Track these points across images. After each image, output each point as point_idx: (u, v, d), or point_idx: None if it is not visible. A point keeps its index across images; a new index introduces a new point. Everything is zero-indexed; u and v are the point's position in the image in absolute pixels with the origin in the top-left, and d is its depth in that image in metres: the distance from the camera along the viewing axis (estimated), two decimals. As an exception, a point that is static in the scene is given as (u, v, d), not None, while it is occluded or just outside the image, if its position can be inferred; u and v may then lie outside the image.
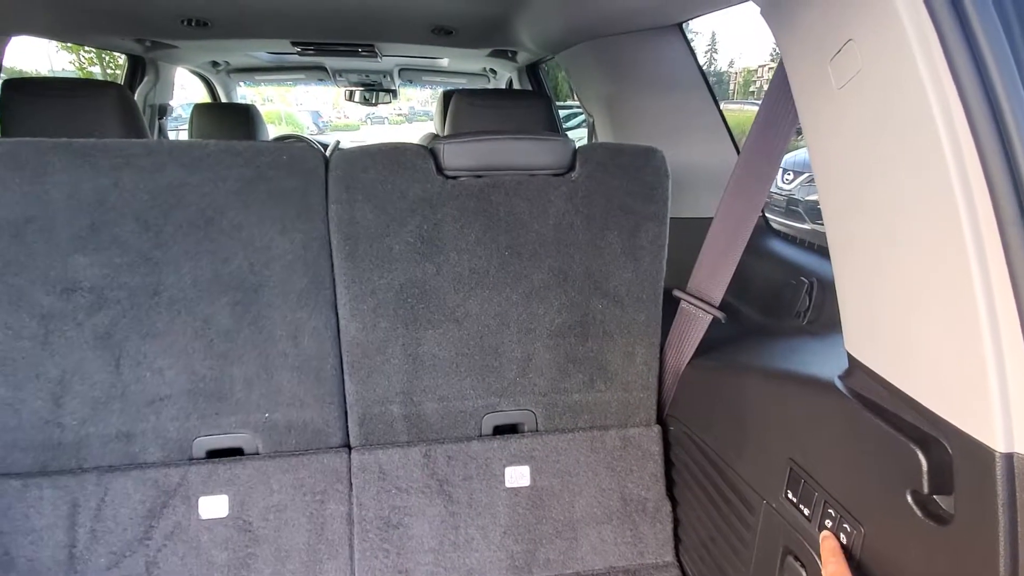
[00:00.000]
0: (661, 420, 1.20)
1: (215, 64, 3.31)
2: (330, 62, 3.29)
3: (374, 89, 4.10)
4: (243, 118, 2.74)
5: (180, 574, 1.02)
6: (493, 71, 3.38)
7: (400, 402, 1.10)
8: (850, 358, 0.72)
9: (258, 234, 1.01)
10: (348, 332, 1.07)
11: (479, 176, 1.05)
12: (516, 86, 3.17)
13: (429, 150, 1.05)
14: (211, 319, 1.02)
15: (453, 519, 1.09)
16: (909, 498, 0.60)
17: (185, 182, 0.96)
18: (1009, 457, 0.50)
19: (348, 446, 1.11)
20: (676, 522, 1.18)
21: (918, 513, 0.59)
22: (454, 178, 1.05)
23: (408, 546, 1.08)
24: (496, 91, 3.05)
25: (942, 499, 0.58)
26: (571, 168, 1.08)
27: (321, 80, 4.00)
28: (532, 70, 2.92)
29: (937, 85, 0.51)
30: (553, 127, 1.84)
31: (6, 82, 1.55)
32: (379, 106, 5.08)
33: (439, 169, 1.04)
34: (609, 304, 1.13)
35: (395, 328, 1.08)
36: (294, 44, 2.58)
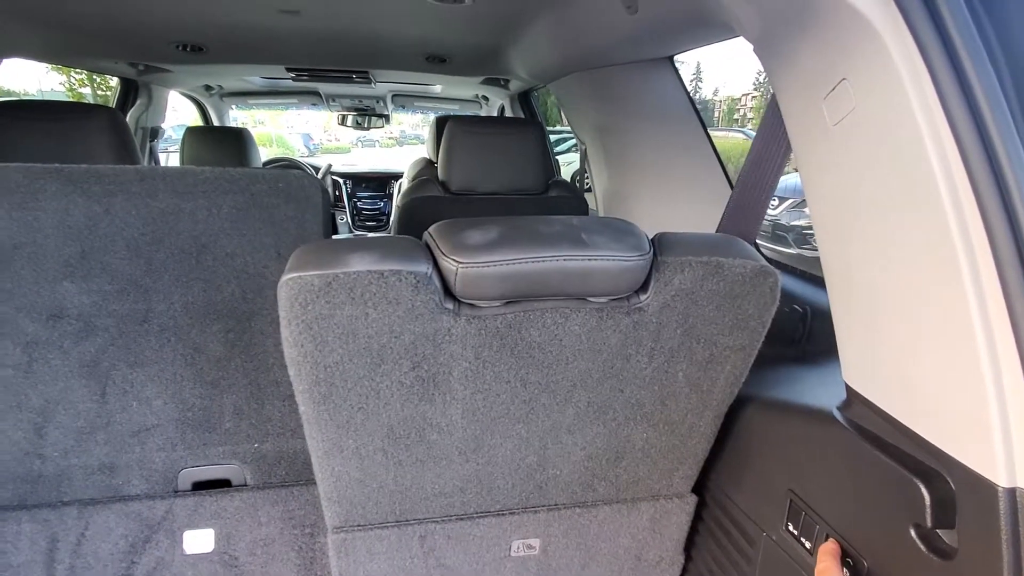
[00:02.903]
0: (696, 487, 1.05)
1: (208, 88, 3.32)
2: (324, 87, 3.32)
3: (367, 114, 4.14)
4: (235, 141, 2.74)
5: None
6: (485, 98, 3.43)
7: (393, 523, 0.97)
8: (848, 389, 0.72)
9: (252, 262, 0.97)
10: (324, 469, 0.89)
11: (510, 303, 0.74)
12: (508, 112, 3.22)
13: (434, 263, 0.70)
14: (202, 347, 0.98)
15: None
16: (912, 532, 0.60)
17: (179, 209, 0.93)
18: (1012, 492, 0.50)
19: None
20: (684, 566, 1.15)
21: (921, 547, 0.59)
22: (472, 306, 0.73)
23: None
24: (491, 119, 3.08)
25: (945, 533, 0.58)
26: (642, 287, 0.76)
27: (314, 105, 4.04)
28: (524, 97, 2.96)
29: (931, 124, 0.52)
30: (547, 155, 1.86)
31: (1, 104, 1.54)
32: (371, 130, 5.11)
33: (447, 291, 0.72)
34: (658, 433, 0.91)
35: (386, 465, 0.87)
36: (289, 70, 2.60)
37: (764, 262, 0.75)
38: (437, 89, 3.34)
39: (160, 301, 0.95)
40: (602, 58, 1.61)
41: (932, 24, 0.51)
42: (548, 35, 1.57)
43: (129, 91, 2.74)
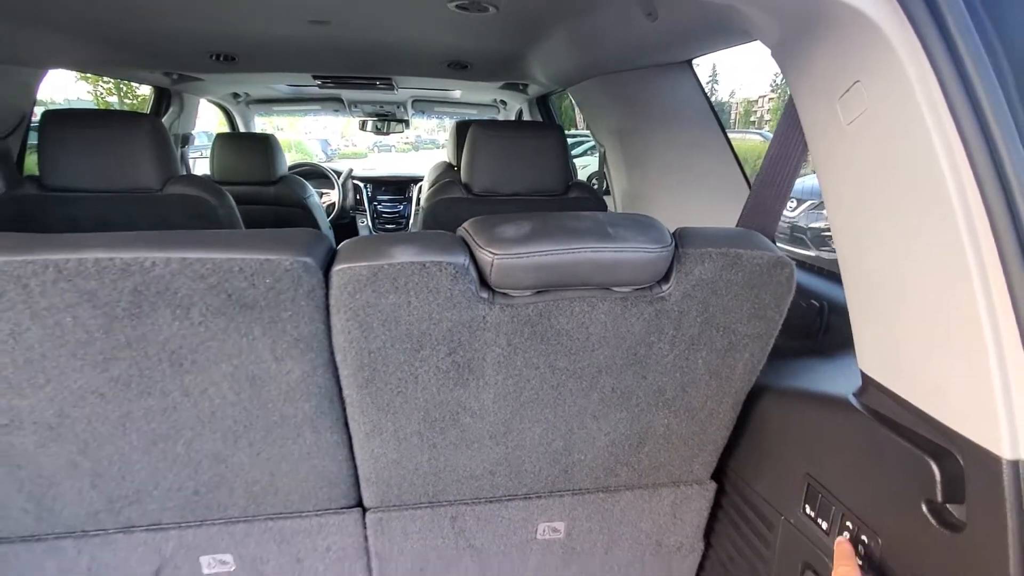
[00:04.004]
0: (715, 473, 1.09)
1: (236, 95, 3.44)
2: (347, 94, 3.41)
3: (387, 119, 4.23)
4: (262, 147, 2.83)
5: None
6: (503, 102, 3.49)
7: (426, 503, 1.00)
8: (864, 376, 0.76)
9: (242, 364, 0.77)
10: (364, 450, 0.91)
11: (540, 292, 0.78)
12: (526, 116, 3.28)
13: (471, 255, 0.76)
14: (195, 447, 0.85)
15: (480, 568, 1.08)
16: (924, 508, 0.63)
17: (152, 315, 0.71)
18: (1015, 464, 0.53)
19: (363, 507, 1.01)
20: (704, 552, 1.18)
21: (932, 522, 0.62)
22: (505, 295, 0.77)
23: None
24: (512, 123, 3.14)
25: (955, 508, 0.61)
26: (664, 278, 0.80)
27: (337, 111, 4.14)
28: (542, 101, 3.02)
29: (938, 124, 0.56)
30: (567, 157, 1.91)
31: (46, 113, 1.63)
32: (390, 135, 5.20)
33: (483, 281, 0.76)
34: (679, 419, 0.95)
35: (421, 448, 0.91)
36: (316, 78, 2.69)
37: (781, 254, 0.79)
38: (456, 94, 3.41)
39: (135, 408, 0.79)
40: (622, 63, 1.65)
41: (937, 29, 0.54)
42: (568, 41, 1.62)
43: (162, 99, 2.85)
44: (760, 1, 0.73)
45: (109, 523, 0.90)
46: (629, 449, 0.97)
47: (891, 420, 0.69)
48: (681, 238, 0.80)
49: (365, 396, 0.82)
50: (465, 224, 0.80)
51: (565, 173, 1.91)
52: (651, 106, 1.70)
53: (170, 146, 1.76)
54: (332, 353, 0.78)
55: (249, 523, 0.94)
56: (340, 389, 0.82)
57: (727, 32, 1.18)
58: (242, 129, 3.79)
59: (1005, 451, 0.53)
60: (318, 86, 2.87)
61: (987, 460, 0.55)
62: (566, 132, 2.78)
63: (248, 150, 2.91)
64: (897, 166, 0.62)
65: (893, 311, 0.67)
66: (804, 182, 8.39)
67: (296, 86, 3.16)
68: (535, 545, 1.07)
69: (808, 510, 0.84)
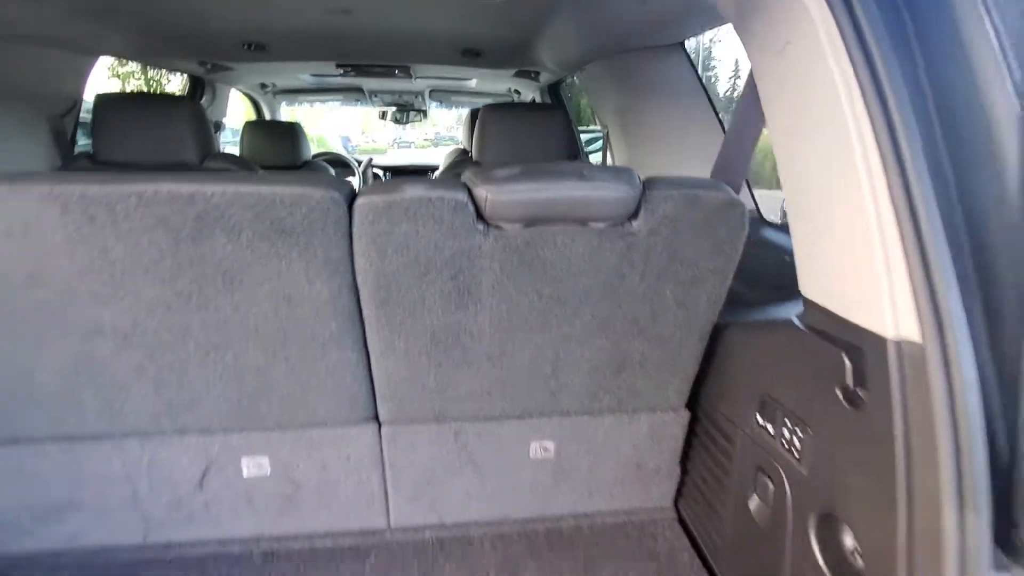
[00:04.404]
0: (689, 404, 1.23)
1: (263, 86, 3.63)
2: (367, 83, 3.58)
3: (406, 109, 4.39)
4: (289, 133, 3.02)
5: (234, 510, 1.18)
6: (517, 91, 3.63)
7: (433, 419, 1.14)
8: (804, 299, 0.89)
9: (281, 285, 0.92)
10: (380, 368, 1.05)
11: (528, 226, 0.91)
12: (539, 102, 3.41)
13: (469, 194, 0.90)
14: (241, 360, 1.00)
15: (480, 480, 1.24)
16: (839, 394, 0.76)
17: (199, 237, 0.87)
18: (898, 344, 0.66)
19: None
20: (680, 477, 1.32)
21: (845, 406, 0.75)
22: (498, 228, 0.91)
23: (440, 498, 1.22)
24: (520, 105, 3.28)
25: (861, 390, 0.74)
26: (634, 215, 0.93)
27: (357, 100, 4.32)
28: (553, 89, 3.15)
29: (843, 77, 0.69)
30: (572, 137, 2.04)
31: (99, 96, 1.82)
32: (408, 127, 5.35)
33: (479, 215, 0.90)
34: (651, 347, 1.08)
35: (428, 367, 1.05)
36: (338, 66, 2.86)
37: (735, 196, 0.93)
38: (472, 84, 3.56)
39: (193, 321, 0.95)
40: (619, 45, 1.78)
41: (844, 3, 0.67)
42: (570, 25, 1.76)
43: (196, 88, 3.05)
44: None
45: (167, 426, 1.07)
46: (609, 375, 1.11)
47: (821, 330, 0.82)
48: (648, 182, 0.93)
49: (381, 316, 0.97)
50: (467, 171, 0.95)
51: (571, 149, 2.04)
52: (648, 85, 1.83)
53: (208, 126, 1.94)
54: (354, 277, 0.93)
55: (283, 432, 1.11)
56: (360, 310, 0.98)
57: (707, 14, 1.31)
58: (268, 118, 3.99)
59: (889, 332, 0.66)
60: (340, 75, 3.03)
61: (878, 343, 0.68)
62: (582, 128, 2.90)
63: (276, 136, 3.10)
64: (814, 113, 0.75)
65: (818, 236, 0.80)
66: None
67: (319, 76, 3.34)
68: (528, 463, 1.21)
69: (760, 420, 0.97)
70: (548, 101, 3.26)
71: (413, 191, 0.87)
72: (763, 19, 0.83)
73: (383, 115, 4.73)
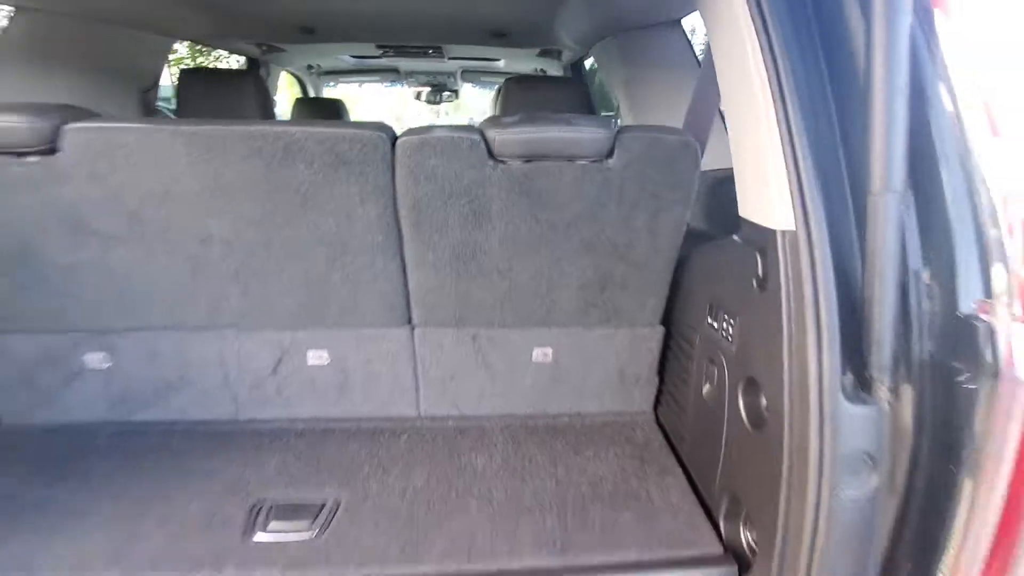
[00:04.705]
0: (664, 321, 1.48)
1: (310, 67, 3.97)
2: (404, 64, 3.88)
3: (439, 88, 4.67)
4: (334, 109, 3.35)
5: (299, 395, 1.50)
6: (543, 70, 3.86)
7: (454, 324, 1.42)
8: (740, 219, 1.13)
9: (342, 206, 1.21)
10: (413, 277, 1.33)
11: (527, 161, 1.18)
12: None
13: (482, 136, 1.17)
14: (310, 270, 1.30)
15: (491, 379, 1.51)
16: (754, 284, 1.00)
17: (284, 166, 1.17)
18: (783, 233, 0.90)
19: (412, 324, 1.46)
20: (658, 387, 1.57)
21: (756, 292, 0.99)
22: (504, 163, 1.19)
23: (459, 393, 1.51)
24: (540, 77, 3.52)
25: (766, 277, 0.98)
26: (609, 154, 1.18)
27: (394, 81, 4.62)
28: (575, 67, 3.37)
29: (752, 44, 0.92)
30: (587, 108, 2.28)
31: (183, 71, 2.16)
32: (443, 115, 5.61)
33: (490, 152, 1.17)
34: (629, 268, 1.33)
35: (451, 278, 1.32)
36: (378, 47, 3.16)
37: (690, 139, 1.17)
38: (500, 64, 3.82)
39: (276, 234, 1.26)
40: (625, 22, 2.01)
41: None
42: (583, 5, 2.00)
43: (252, 69, 3.40)
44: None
45: (251, 323, 1.39)
46: (595, 292, 1.38)
47: (747, 239, 1.06)
48: (622, 128, 1.19)
49: (415, 233, 1.26)
50: (482, 120, 1.23)
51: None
52: (650, 60, 2.06)
53: (269, 95, 2.27)
54: (395, 200, 1.22)
55: (339, 330, 1.42)
56: (399, 229, 1.27)
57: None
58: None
59: (777, 225, 0.90)
60: (379, 56, 3.33)
61: (772, 236, 0.92)
62: (606, 114, 3.12)
63: (321, 112, 3.44)
64: (736, 77, 0.98)
65: (743, 165, 1.03)
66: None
67: (360, 57, 3.65)
68: (532, 367, 1.49)
69: (709, 321, 1.22)
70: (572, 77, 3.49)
71: (441, 132, 1.16)
72: (710, 8, 1.06)
73: (418, 95, 5.03)
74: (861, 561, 0.91)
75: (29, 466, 1.27)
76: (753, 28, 0.90)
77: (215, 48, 3.25)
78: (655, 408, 1.58)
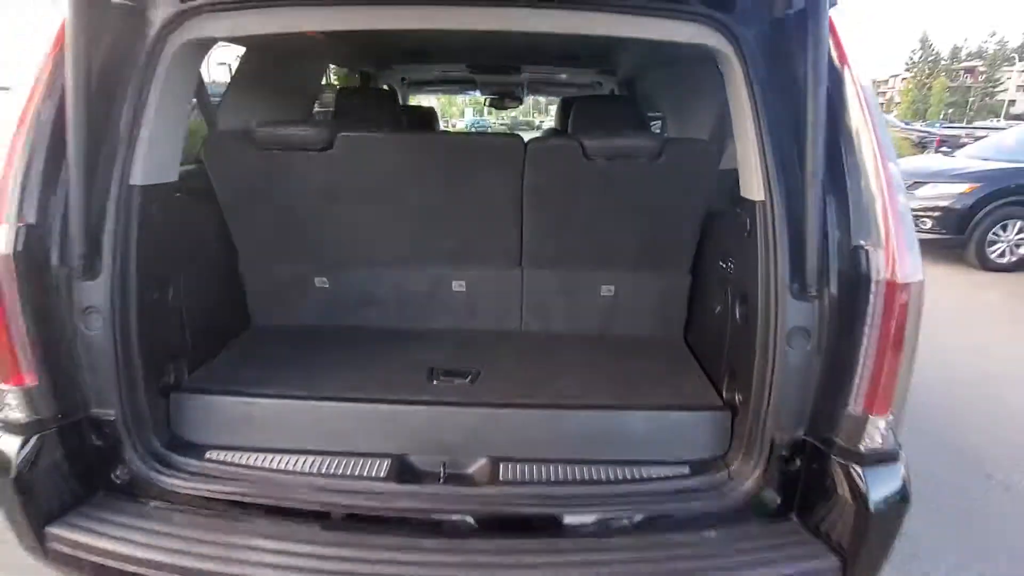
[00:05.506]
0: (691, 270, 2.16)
1: (403, 79, 4.78)
2: (481, 77, 4.63)
3: (507, 96, 5.43)
4: (429, 118, 4.12)
5: (446, 310, 2.20)
6: (599, 83, 4.53)
7: (550, 267, 2.15)
8: (740, 197, 1.77)
9: (490, 186, 1.92)
10: (526, 237, 2.03)
11: (608, 159, 1.85)
12: (616, 93, 4.30)
13: (580, 144, 1.85)
14: (461, 226, 2.04)
15: (572, 305, 2.21)
16: (745, 235, 1.64)
17: (430, 163, 1.90)
18: (760, 202, 1.54)
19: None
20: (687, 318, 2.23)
21: (746, 238, 1.63)
22: (593, 160, 1.87)
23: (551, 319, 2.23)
24: (603, 96, 4.20)
25: (751, 231, 1.62)
26: (659, 156, 1.84)
27: (470, 91, 5.40)
28: (628, 82, 4.03)
29: (747, 88, 1.57)
30: (639, 119, 2.94)
31: (340, 89, 2.95)
32: (486, 114, 6.41)
33: (585, 154, 1.85)
34: (669, 232, 2.04)
35: (551, 236, 2.02)
36: (468, 67, 3.90)
37: (712, 147, 1.85)
38: (563, 77, 4.51)
39: (444, 204, 2.00)
40: (670, 57, 2.67)
41: (740, 55, 1.55)
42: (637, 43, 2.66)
43: (366, 81, 4.21)
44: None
45: (420, 261, 2.15)
46: (646, 248, 2.07)
47: (743, 208, 1.69)
48: (668, 139, 1.87)
49: (532, 204, 1.98)
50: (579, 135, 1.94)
51: (638, 127, 2.96)
52: (686, 84, 2.72)
53: (399, 107, 3.02)
54: (523, 184, 1.94)
55: (474, 268, 2.16)
56: (523, 203, 1.98)
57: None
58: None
59: (756, 197, 1.55)
60: (468, 74, 4.09)
61: (752, 204, 1.57)
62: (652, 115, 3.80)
63: (417, 119, 4.22)
64: (737, 106, 1.62)
65: (740, 162, 1.68)
66: (907, 164, 8.49)
67: (446, 71, 4.42)
68: (599, 299, 2.19)
69: (721, 265, 1.87)
70: (624, 91, 4.14)
71: (558, 140, 1.88)
72: (725, 72, 1.71)
73: (487, 101, 5.79)
74: (803, 398, 1.50)
75: (276, 349, 2.03)
76: (746, 84, 1.55)
77: (347, 68, 4.05)
78: (684, 334, 2.24)
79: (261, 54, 2.55)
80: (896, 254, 1.30)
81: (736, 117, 1.63)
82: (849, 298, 1.35)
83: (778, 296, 1.46)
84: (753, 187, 1.56)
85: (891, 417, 1.37)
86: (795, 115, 1.46)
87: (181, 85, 1.59)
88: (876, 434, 1.37)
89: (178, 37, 1.48)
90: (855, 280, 1.33)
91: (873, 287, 1.31)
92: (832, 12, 1.37)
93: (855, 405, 1.36)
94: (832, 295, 1.40)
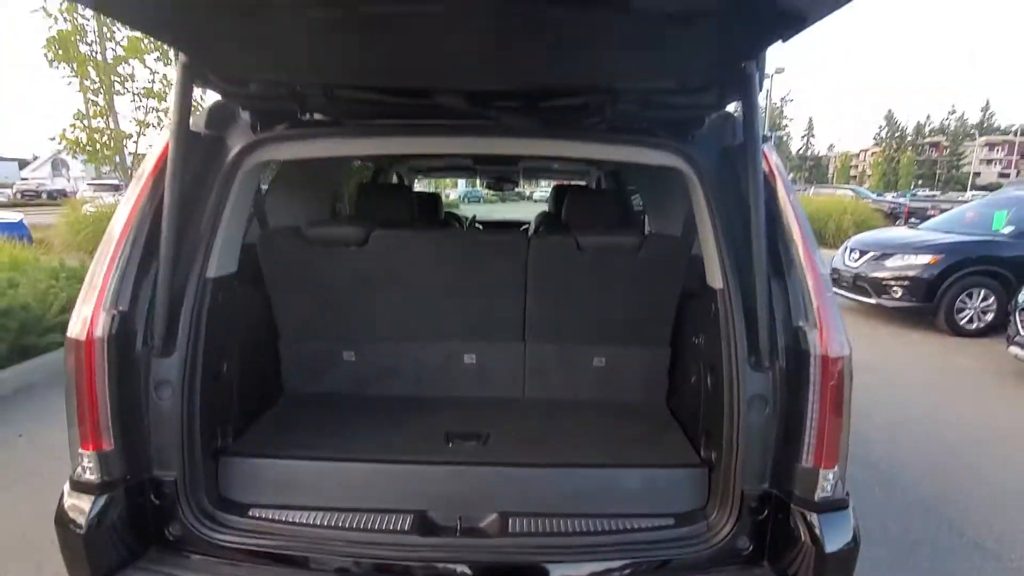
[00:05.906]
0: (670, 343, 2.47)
1: (410, 168, 5.28)
2: (482, 167, 5.15)
3: (505, 181, 5.96)
4: (435, 202, 4.56)
5: (458, 380, 2.46)
6: (588, 172, 5.05)
7: (550, 341, 2.46)
8: (706, 284, 2.11)
9: (497, 272, 2.24)
10: (529, 312, 2.35)
11: (597, 250, 2.23)
12: (603, 183, 4.80)
13: (575, 238, 2.23)
14: (470, 304, 2.33)
15: (569, 374, 2.51)
16: (711, 316, 1.97)
17: (477, 250, 2.39)
18: (720, 290, 1.88)
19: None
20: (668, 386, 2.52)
21: (712, 319, 1.96)
22: (584, 250, 2.24)
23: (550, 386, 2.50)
24: (594, 189, 4.71)
25: (713, 312, 1.95)
26: (639, 249, 2.22)
27: (469, 176, 5.93)
28: (614, 173, 4.52)
29: (705, 198, 1.96)
30: (625, 208, 3.36)
31: (362, 184, 3.37)
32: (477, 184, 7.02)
33: (578, 246, 2.24)
34: (650, 312, 2.34)
35: (551, 311, 2.35)
36: (472, 160, 4.39)
37: (682, 242, 2.23)
38: (555, 165, 5.03)
39: (457, 285, 2.32)
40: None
41: (698, 173, 1.95)
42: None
43: (379, 171, 4.68)
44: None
45: (434, 336, 2.45)
46: (630, 325, 2.38)
47: (709, 293, 2.03)
48: (648, 236, 2.24)
49: (535, 285, 2.33)
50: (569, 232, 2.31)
51: (625, 215, 3.36)
52: (664, 185, 3.14)
53: (413, 200, 3.43)
54: (527, 268, 2.29)
55: (482, 342, 2.46)
56: (526, 282, 2.32)
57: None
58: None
59: (716, 285, 1.89)
60: (474, 166, 4.59)
61: (714, 290, 1.90)
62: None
63: (423, 204, 4.67)
64: (699, 212, 2.00)
65: (705, 254, 2.04)
66: (875, 235, 9.01)
67: (450, 163, 4.93)
68: (592, 369, 2.47)
69: (694, 339, 2.19)
70: (611, 182, 4.63)
71: (556, 236, 2.28)
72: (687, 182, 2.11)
73: (484, 184, 6.32)
74: (765, 455, 1.74)
75: (309, 416, 2.29)
76: (704, 196, 1.93)
77: (369, 163, 4.51)
78: (667, 400, 2.52)
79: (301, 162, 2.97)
80: (827, 333, 1.61)
81: (699, 220, 2.00)
82: (796, 369, 1.60)
83: (738, 368, 1.74)
84: (715, 276, 1.89)
85: (837, 469, 1.64)
86: (744, 220, 1.82)
87: (247, 195, 1.95)
88: (827, 484, 1.62)
89: (250, 160, 1.85)
90: (799, 354, 1.59)
91: (812, 360, 1.57)
92: (764, 146, 1.76)
93: (807, 460, 1.62)
94: (782, 367, 1.64)
